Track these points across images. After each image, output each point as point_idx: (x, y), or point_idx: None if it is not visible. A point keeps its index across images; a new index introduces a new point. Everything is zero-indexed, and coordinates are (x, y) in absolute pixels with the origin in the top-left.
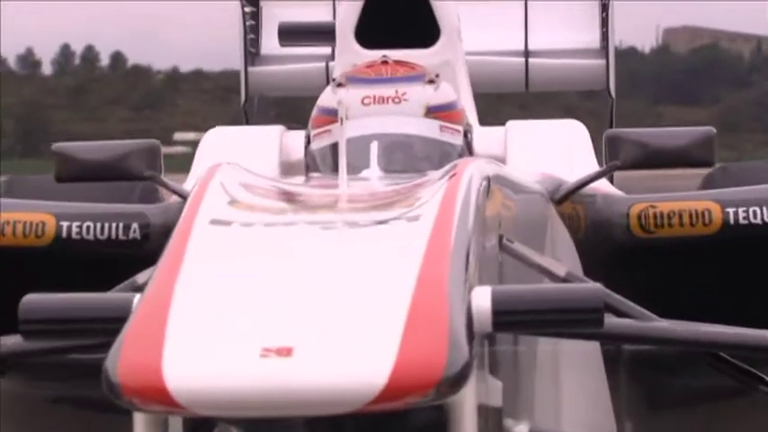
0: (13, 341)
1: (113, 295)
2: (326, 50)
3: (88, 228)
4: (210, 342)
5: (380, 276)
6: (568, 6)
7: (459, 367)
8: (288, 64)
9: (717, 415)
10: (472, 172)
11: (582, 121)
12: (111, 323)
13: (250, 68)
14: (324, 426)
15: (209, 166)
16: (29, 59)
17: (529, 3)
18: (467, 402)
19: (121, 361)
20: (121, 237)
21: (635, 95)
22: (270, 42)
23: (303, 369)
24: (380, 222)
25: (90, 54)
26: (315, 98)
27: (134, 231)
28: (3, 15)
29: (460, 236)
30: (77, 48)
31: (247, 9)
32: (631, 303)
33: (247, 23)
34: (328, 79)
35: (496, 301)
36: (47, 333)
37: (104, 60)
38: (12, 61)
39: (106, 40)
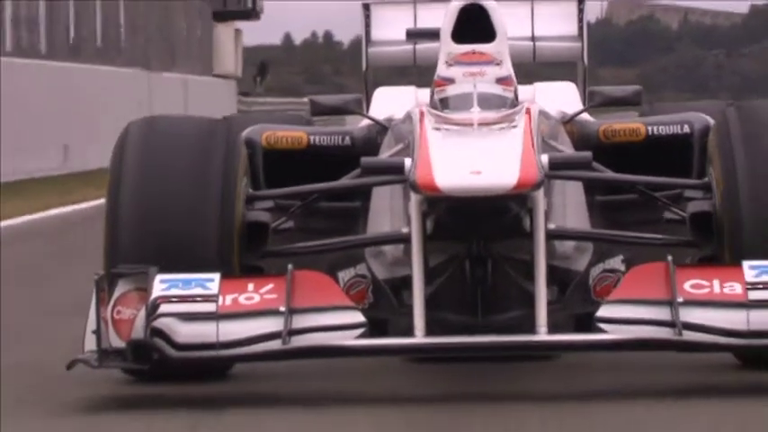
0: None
1: (393, 159)
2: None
3: (323, 139)
4: (451, 168)
5: (509, 144)
6: (556, 6)
7: (541, 179)
8: (388, 47)
9: (644, 229)
10: (535, 108)
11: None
12: (400, 170)
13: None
14: (490, 205)
15: (415, 108)
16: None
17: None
18: (541, 195)
19: (417, 174)
20: (340, 143)
21: None
22: (376, 32)
23: (487, 178)
24: (502, 128)
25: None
26: (402, 67)
27: (346, 141)
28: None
29: (536, 133)
30: None
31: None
32: (600, 165)
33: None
34: (414, 57)
35: (551, 159)
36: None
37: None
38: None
39: None
